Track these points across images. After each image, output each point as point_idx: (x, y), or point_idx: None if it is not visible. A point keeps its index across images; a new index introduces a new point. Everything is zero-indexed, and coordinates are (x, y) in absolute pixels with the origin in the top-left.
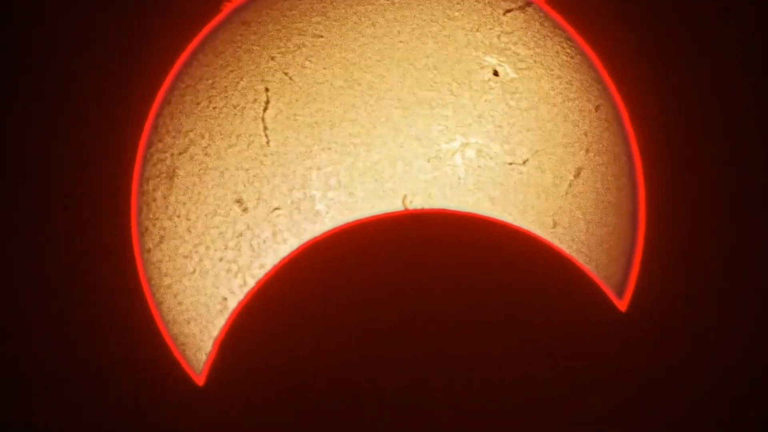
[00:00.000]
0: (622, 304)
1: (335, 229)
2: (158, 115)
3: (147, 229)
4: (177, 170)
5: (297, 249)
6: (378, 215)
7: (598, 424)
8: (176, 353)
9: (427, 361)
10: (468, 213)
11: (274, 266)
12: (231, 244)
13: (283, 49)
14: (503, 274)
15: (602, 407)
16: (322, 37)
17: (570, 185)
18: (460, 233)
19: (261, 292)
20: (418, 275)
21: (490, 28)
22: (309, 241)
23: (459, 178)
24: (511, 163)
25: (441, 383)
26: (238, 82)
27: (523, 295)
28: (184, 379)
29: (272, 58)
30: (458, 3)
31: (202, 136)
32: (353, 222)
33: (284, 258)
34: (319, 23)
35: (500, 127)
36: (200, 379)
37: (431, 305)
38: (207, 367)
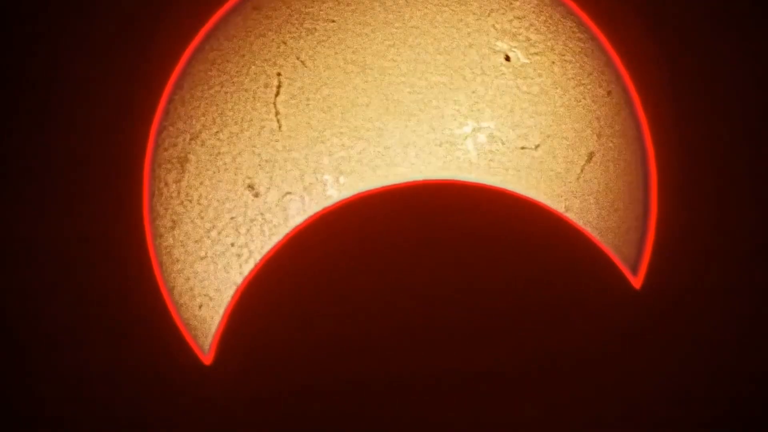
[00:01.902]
0: (636, 282)
1: (341, 201)
2: (170, 100)
3: (159, 214)
4: (189, 155)
5: (301, 224)
6: (391, 185)
7: (611, 401)
8: (187, 338)
9: (437, 335)
10: (483, 184)
11: (279, 242)
12: (242, 229)
13: (295, 34)
14: (517, 248)
15: (615, 384)
16: (334, 21)
17: (582, 170)
18: (474, 205)
19: (266, 268)
20: (429, 248)
21: (502, 13)
22: (315, 215)
23: (471, 163)
24: (523, 148)
25: (451, 357)
26: (249, 67)
27: (536, 268)
28: (196, 363)
29: (284, 43)
30: None
31: (214, 122)
32: (361, 194)
33: (288, 234)
34: (331, 8)
35: (512, 112)
36: (208, 360)
37: (442, 278)
38: (214, 346)
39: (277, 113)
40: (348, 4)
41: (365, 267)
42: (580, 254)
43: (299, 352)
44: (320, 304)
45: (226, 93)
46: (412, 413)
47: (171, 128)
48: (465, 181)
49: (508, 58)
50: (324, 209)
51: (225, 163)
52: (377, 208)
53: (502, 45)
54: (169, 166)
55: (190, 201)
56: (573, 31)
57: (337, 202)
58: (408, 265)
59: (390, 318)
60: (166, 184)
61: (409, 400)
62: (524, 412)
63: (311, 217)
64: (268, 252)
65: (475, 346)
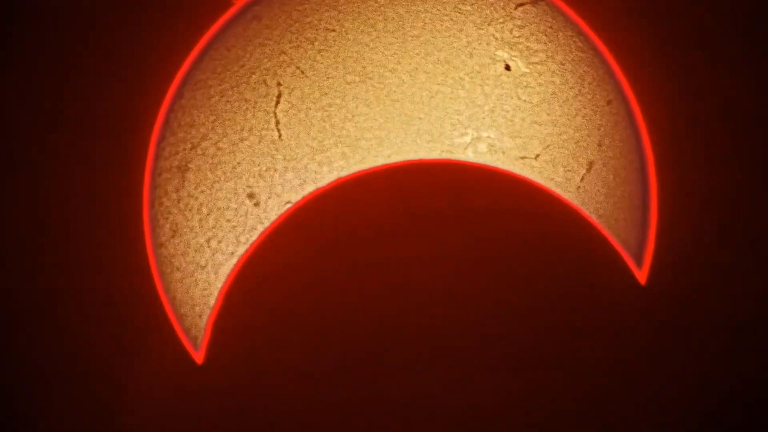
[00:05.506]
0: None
1: (323, 188)
2: (170, 109)
3: (159, 223)
4: (189, 164)
5: (278, 218)
6: (389, 164)
7: (614, 397)
8: (188, 347)
9: (436, 323)
10: (491, 167)
11: (265, 230)
12: (243, 238)
13: (295, 44)
14: (523, 232)
15: (621, 378)
16: (334, 31)
17: (582, 179)
18: (481, 188)
19: (254, 257)
20: (432, 231)
21: (502, 23)
22: (296, 204)
23: None
24: (523, 157)
25: (450, 345)
26: (250, 77)
27: (539, 257)
28: (198, 373)
29: (284, 53)
30: None
31: (214, 131)
32: (352, 174)
33: (268, 227)
34: (331, 17)
35: (512, 121)
36: (199, 358)
37: (444, 263)
38: (204, 344)
39: (277, 122)
40: (348, 14)
41: (355, 256)
42: (588, 246)
43: (290, 343)
44: (309, 293)
45: (226, 102)
46: (405, 405)
47: (171, 137)
48: (471, 163)
49: (508, 68)
50: (301, 200)
51: (225, 172)
52: (371, 192)
53: (503, 54)
54: (169, 175)
55: (191, 210)
56: (573, 41)
57: (318, 189)
58: (409, 249)
59: (382, 308)
60: (167, 193)
61: (402, 391)
62: (523, 402)
63: (291, 207)
64: (259, 237)
65: (477, 340)
